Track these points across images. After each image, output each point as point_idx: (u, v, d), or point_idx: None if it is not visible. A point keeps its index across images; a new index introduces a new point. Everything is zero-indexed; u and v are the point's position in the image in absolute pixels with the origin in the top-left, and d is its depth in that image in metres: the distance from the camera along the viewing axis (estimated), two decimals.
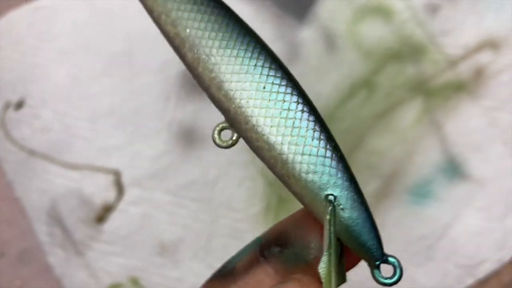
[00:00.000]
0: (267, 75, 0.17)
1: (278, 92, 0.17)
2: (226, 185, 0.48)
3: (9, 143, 0.48)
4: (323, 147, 0.16)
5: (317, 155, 0.16)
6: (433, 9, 0.52)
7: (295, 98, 0.17)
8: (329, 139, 0.16)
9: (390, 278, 0.16)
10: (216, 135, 0.17)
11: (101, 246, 0.46)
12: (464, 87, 0.51)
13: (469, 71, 0.51)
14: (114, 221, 0.47)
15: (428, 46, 0.52)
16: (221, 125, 0.18)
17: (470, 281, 0.47)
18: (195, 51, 0.18)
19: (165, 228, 0.47)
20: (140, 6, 0.51)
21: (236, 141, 0.17)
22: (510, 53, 0.51)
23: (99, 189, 0.47)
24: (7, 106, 0.49)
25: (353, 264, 0.18)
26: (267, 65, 0.17)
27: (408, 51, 0.52)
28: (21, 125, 0.48)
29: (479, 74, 0.51)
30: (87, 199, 0.47)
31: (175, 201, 0.48)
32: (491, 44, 0.52)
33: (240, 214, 0.48)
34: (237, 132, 0.17)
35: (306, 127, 0.16)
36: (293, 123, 0.16)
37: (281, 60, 0.18)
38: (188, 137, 0.49)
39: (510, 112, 0.50)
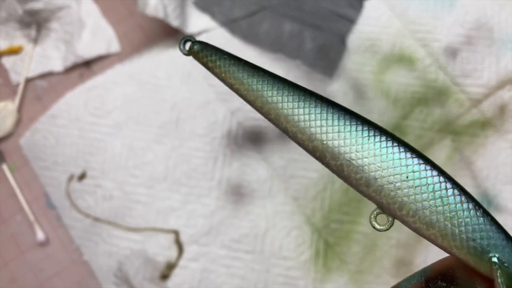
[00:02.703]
0: (406, 165, 0.19)
1: (420, 178, 0.18)
2: (276, 235, 0.54)
3: (75, 212, 0.55)
4: (474, 216, 0.18)
5: (471, 224, 0.18)
6: (453, 53, 0.58)
7: (436, 178, 0.18)
8: (477, 205, 0.18)
9: None
10: (374, 222, 0.19)
11: None
12: (490, 124, 0.56)
13: (493, 108, 0.56)
14: (176, 278, 0.53)
15: (452, 87, 0.57)
16: (375, 212, 0.19)
17: None
18: (337, 159, 0.19)
19: (223, 281, 0.53)
20: (181, 77, 0.58)
21: (393, 222, 0.19)
22: None
23: (161, 249, 0.53)
24: (71, 178, 0.55)
25: None
26: (403, 153, 0.19)
27: (433, 94, 0.57)
28: (85, 194, 0.55)
29: (503, 110, 0.56)
30: (150, 258, 0.53)
31: (230, 255, 0.53)
32: (511, 81, 0.57)
33: (291, 262, 0.53)
34: (392, 216, 0.19)
35: (455, 202, 0.18)
36: (442, 201, 0.18)
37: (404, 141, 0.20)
38: (236, 193, 0.55)
39: None
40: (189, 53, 0.22)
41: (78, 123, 0.57)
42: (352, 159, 0.19)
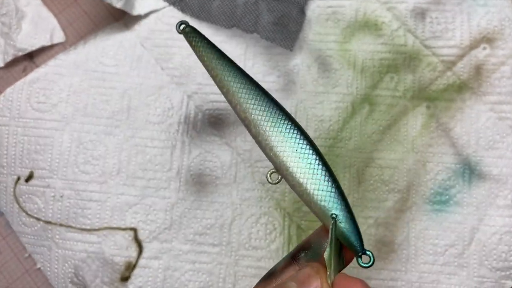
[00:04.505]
0: (299, 143, 0.29)
1: (304, 153, 0.29)
2: (243, 224, 0.50)
3: (24, 216, 0.51)
4: (330, 186, 0.28)
5: (326, 191, 0.28)
6: (421, 14, 0.54)
7: (314, 157, 0.29)
8: (334, 181, 0.29)
9: (367, 263, 0.27)
10: (268, 177, 0.29)
11: None
12: (467, 86, 0.52)
13: (468, 69, 0.53)
14: (138, 279, 0.49)
15: (423, 51, 0.53)
16: (271, 170, 0.30)
17: (509, 283, 0.48)
18: (257, 128, 0.30)
19: (189, 278, 0.49)
20: (131, 62, 0.54)
21: (280, 180, 0.29)
22: (507, 44, 0.53)
23: (119, 249, 0.49)
24: (17, 180, 0.51)
25: (351, 258, 0.29)
26: (298, 136, 0.30)
27: (403, 59, 0.53)
28: (34, 197, 0.51)
29: (479, 71, 0.52)
30: (108, 260, 0.49)
31: (195, 249, 0.49)
32: (486, 39, 0.53)
33: (262, 252, 0.49)
34: (281, 175, 0.29)
35: (320, 174, 0.29)
36: (313, 171, 0.29)
37: (305, 131, 0.30)
38: (198, 182, 0.51)
39: None
40: (181, 32, 0.33)
41: (21, 120, 0.52)
42: (265, 130, 0.30)
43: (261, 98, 0.31)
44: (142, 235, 0.50)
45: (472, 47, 0.53)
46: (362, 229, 0.50)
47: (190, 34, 0.33)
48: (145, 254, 0.49)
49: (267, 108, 0.30)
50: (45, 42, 0.56)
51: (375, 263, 0.49)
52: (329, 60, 0.54)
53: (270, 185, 0.51)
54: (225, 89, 0.31)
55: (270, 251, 0.49)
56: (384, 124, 0.52)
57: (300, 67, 0.54)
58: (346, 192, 0.51)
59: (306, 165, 0.28)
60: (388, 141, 0.51)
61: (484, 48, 0.53)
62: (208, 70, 0.32)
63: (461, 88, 0.52)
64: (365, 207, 0.50)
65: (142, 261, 0.49)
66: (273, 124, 0.30)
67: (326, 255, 0.26)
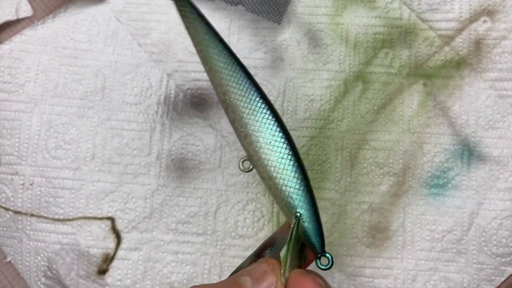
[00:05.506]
0: (274, 135, 0.28)
1: (278, 146, 0.28)
2: (229, 212, 0.47)
3: None
4: (298, 183, 0.28)
5: (294, 188, 0.28)
6: None
7: (287, 151, 0.28)
8: (304, 179, 0.28)
9: (326, 265, 0.27)
10: (240, 164, 0.29)
11: None
12: (466, 62, 0.49)
13: (467, 44, 0.50)
14: (116, 271, 0.46)
15: (419, 24, 0.50)
16: (243, 158, 0.29)
17: (510, 270, 0.46)
18: (235, 113, 0.29)
19: (171, 270, 0.46)
20: (105, 38, 0.50)
21: (252, 169, 0.29)
22: (508, 17, 0.50)
23: (96, 240, 0.46)
24: None
25: (313, 258, 0.28)
26: (275, 128, 0.28)
27: (398, 34, 0.50)
28: (1, 185, 0.47)
29: (479, 46, 0.50)
30: (84, 252, 0.46)
31: (177, 239, 0.46)
32: (486, 11, 0.50)
33: (249, 240, 0.46)
34: (252, 164, 0.29)
35: (291, 170, 0.28)
36: (284, 166, 0.28)
37: (283, 122, 0.29)
38: (180, 168, 0.48)
39: None
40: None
41: None
42: (242, 116, 0.29)
43: (243, 82, 0.29)
44: (120, 225, 0.46)
45: (471, 20, 0.50)
46: (355, 215, 0.47)
47: (181, 1, 0.31)
48: (123, 245, 0.46)
49: (248, 94, 0.29)
50: (10, 16, 0.52)
51: (370, 250, 0.46)
52: (320, 35, 0.51)
53: None
54: (208, 67, 0.30)
55: (258, 239, 0.47)
56: (378, 104, 0.49)
57: (289, 42, 0.50)
58: (338, 176, 0.49)
59: (277, 159, 0.28)
60: (383, 122, 0.49)
61: (485, 21, 0.50)
62: (194, 44, 0.31)
63: (459, 64, 0.50)
64: (358, 191, 0.47)
65: (120, 253, 0.46)
66: (252, 112, 0.29)
67: (282, 253, 0.26)
